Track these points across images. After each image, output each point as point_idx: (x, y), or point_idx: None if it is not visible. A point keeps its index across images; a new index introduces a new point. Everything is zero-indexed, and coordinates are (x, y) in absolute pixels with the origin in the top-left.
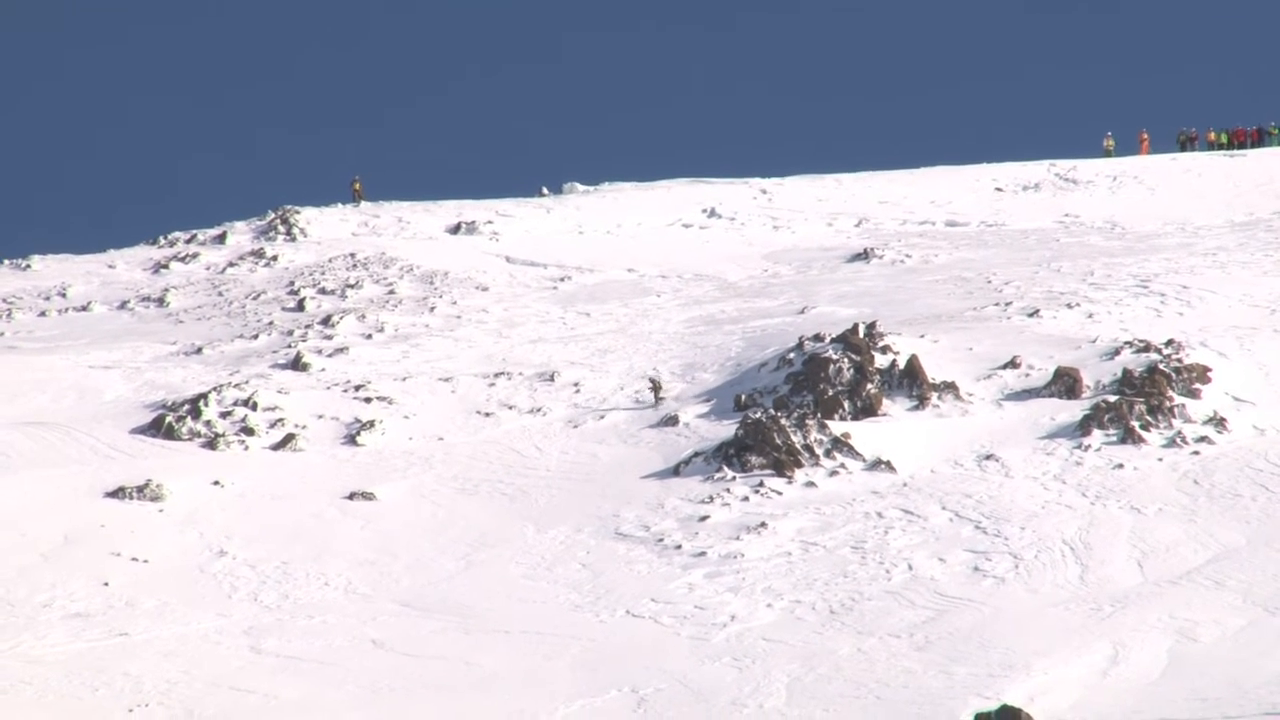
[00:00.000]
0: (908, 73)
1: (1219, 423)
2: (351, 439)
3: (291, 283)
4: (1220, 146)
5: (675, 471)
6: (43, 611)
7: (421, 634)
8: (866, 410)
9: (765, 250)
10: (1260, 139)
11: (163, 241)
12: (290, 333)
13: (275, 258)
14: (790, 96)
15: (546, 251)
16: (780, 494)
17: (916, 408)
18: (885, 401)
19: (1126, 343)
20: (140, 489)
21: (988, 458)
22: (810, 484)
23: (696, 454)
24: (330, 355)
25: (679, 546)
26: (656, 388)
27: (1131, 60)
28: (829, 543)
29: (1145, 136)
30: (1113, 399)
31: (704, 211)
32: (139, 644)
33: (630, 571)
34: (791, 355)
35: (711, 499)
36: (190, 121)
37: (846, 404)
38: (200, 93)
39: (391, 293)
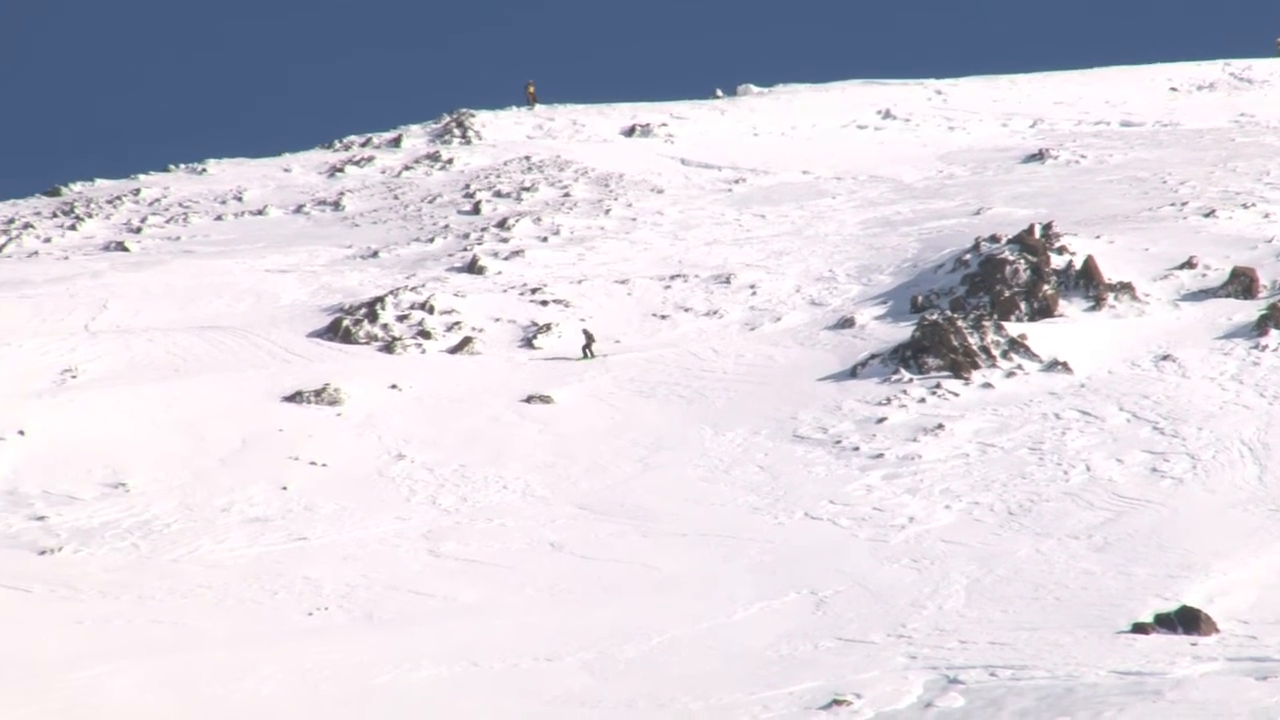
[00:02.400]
0: None
1: None
2: (528, 342)
3: (467, 186)
4: None
5: (852, 373)
6: (221, 516)
7: (599, 537)
8: (1043, 311)
9: (940, 151)
10: None
11: (338, 145)
12: (466, 236)
13: (450, 161)
14: None
15: (721, 154)
16: (957, 395)
17: (1093, 308)
18: (1061, 302)
19: None
20: (318, 393)
21: (1164, 358)
22: (987, 385)
23: (873, 356)
24: (506, 258)
25: (856, 448)
26: (589, 341)
27: None
28: (1006, 444)
29: None
30: None
31: (879, 113)
32: (318, 548)
33: (808, 474)
34: (968, 256)
35: (889, 401)
36: (364, 23)
37: (1023, 305)
38: None
39: (567, 195)
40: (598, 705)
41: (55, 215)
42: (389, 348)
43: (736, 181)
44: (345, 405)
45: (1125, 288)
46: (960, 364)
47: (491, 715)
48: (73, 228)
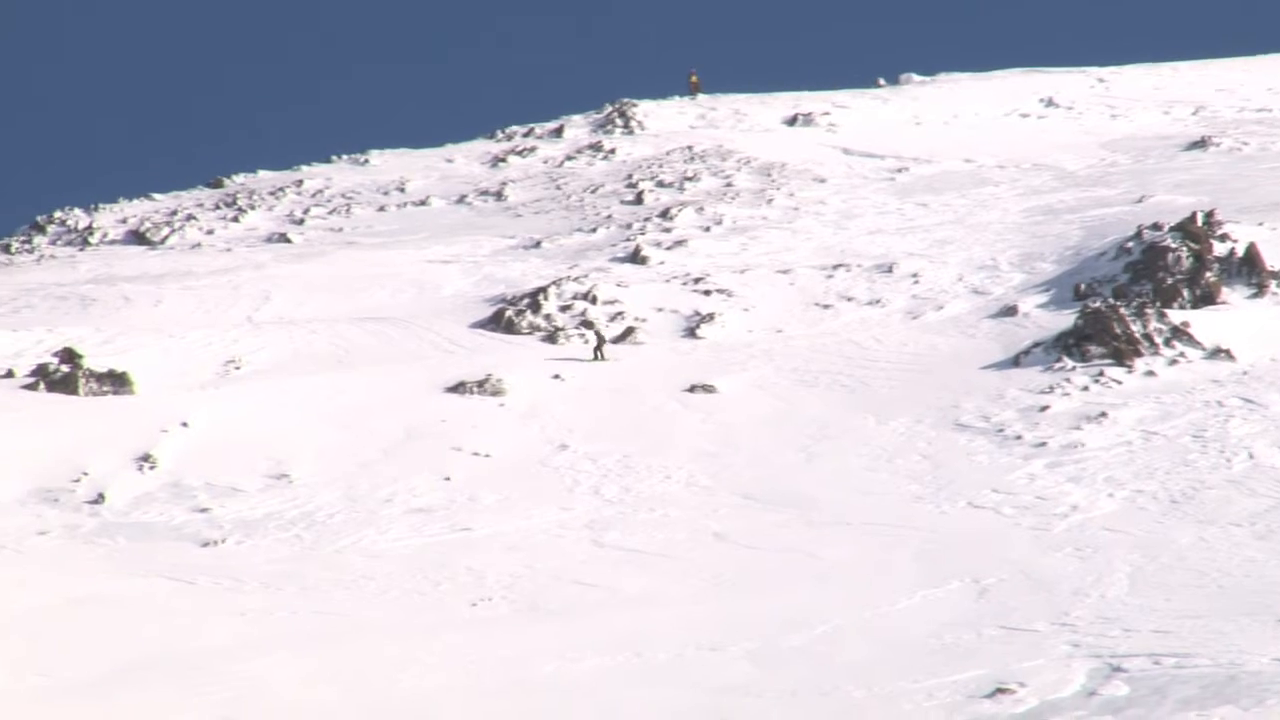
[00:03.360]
0: None
1: None
2: (691, 332)
3: (629, 176)
4: None
5: (1015, 362)
6: (385, 506)
7: (763, 526)
8: (1205, 299)
9: (1102, 139)
10: None
11: (500, 135)
12: (629, 226)
13: (613, 151)
14: None
15: (884, 143)
16: (1120, 383)
17: (1255, 295)
18: (1224, 290)
19: None
20: (480, 383)
21: None
22: (1150, 373)
23: (1036, 344)
24: (669, 248)
25: (1019, 437)
26: (600, 342)
27: None
28: (1169, 432)
29: None
30: None
31: (1041, 101)
32: (481, 538)
33: (971, 462)
34: (1130, 244)
35: (1051, 389)
36: (527, 13)
37: (1185, 292)
38: None
39: (729, 185)
40: (761, 695)
41: (218, 207)
42: (552, 338)
43: (899, 170)
44: (508, 396)
45: None
46: (1123, 352)
47: (655, 705)
48: (235, 219)
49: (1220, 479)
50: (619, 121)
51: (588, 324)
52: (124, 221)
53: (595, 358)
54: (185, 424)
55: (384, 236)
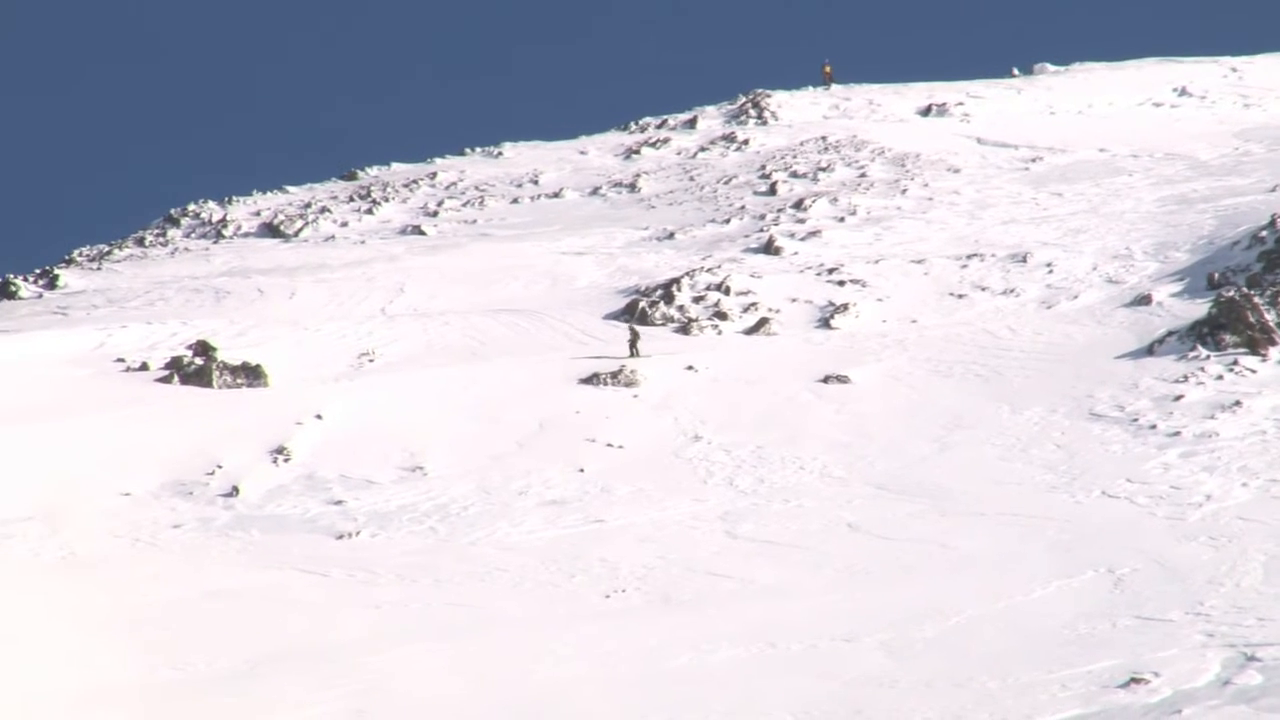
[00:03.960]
0: None
1: None
2: (825, 322)
3: (763, 166)
4: None
5: (1149, 351)
6: (519, 499)
7: (896, 516)
8: None
9: (1236, 128)
10: None
11: (633, 127)
12: (762, 217)
13: (746, 142)
14: None
15: (1018, 133)
16: (1254, 372)
17: None
18: None
19: None
20: (614, 375)
21: None
22: None
23: (1170, 333)
24: (802, 239)
25: (1153, 426)
26: (634, 339)
27: None
28: None
29: None
30: None
31: (1174, 90)
32: (615, 530)
33: (1105, 452)
34: (1264, 233)
35: (1185, 378)
36: (660, 4)
37: None
38: None
39: (863, 175)
40: (895, 685)
41: (352, 199)
42: (685, 329)
43: (1033, 160)
44: (641, 387)
45: None
46: (1257, 341)
47: (789, 696)
48: (369, 212)
49: None
50: (752, 112)
51: (631, 328)
52: (258, 214)
53: (631, 354)
54: (319, 416)
55: (518, 228)
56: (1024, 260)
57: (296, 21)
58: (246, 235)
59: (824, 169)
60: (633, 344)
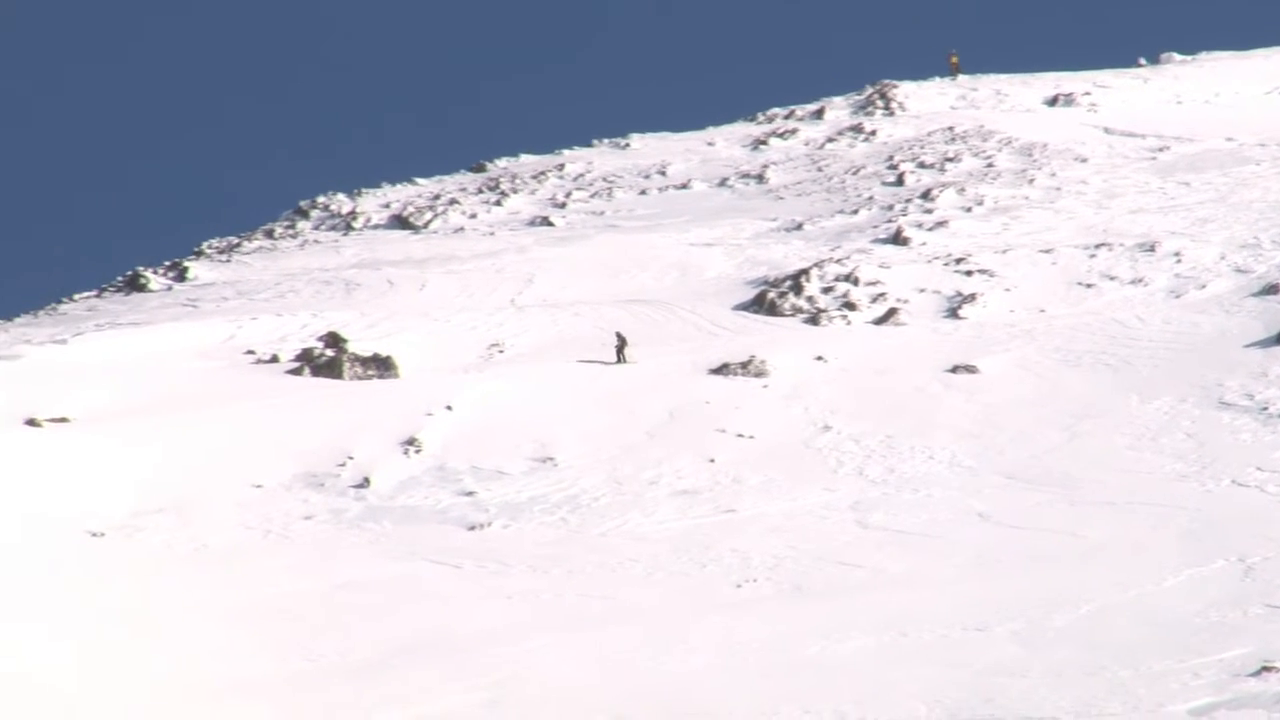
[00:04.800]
0: None
1: None
2: (953, 312)
3: (890, 157)
4: None
5: (1278, 340)
6: (650, 489)
7: (1026, 506)
8: None
9: None
10: None
11: (761, 118)
12: (890, 207)
13: (874, 132)
14: None
15: (1145, 122)
16: None
17: None
18: None
19: None
20: (744, 365)
21: None
22: None
23: None
24: (930, 229)
25: None
26: (621, 345)
27: None
28: None
29: None
30: None
31: None
32: (745, 520)
33: (1235, 440)
34: None
35: None
36: None
37: None
38: None
39: (990, 165)
40: (1026, 675)
41: (481, 191)
42: (814, 319)
43: (1160, 149)
44: (771, 377)
45: None
46: None
47: (921, 685)
48: (498, 203)
49: None
50: (880, 103)
51: (619, 334)
52: (387, 206)
53: (618, 360)
54: (450, 407)
55: (646, 219)
56: (1152, 249)
57: (425, 13)
58: (376, 227)
59: (951, 159)
60: (620, 350)
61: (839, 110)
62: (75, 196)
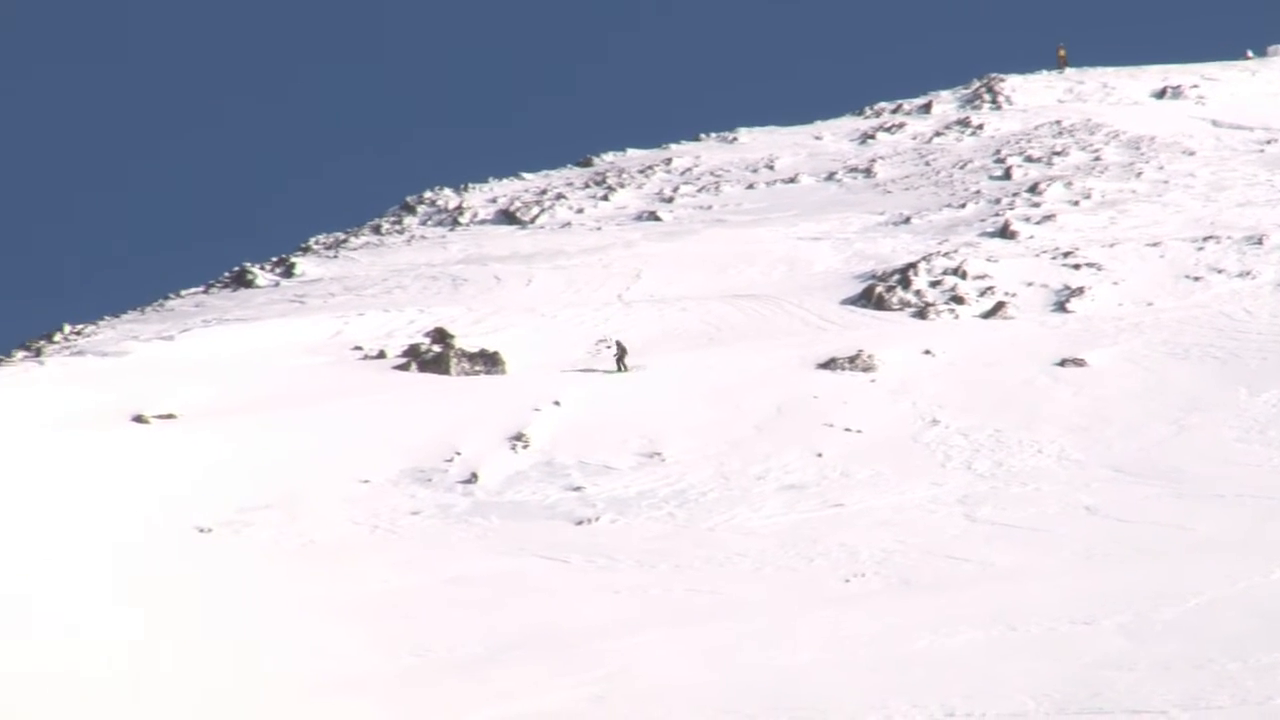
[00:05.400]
0: None
1: None
2: (1061, 306)
3: (998, 151)
4: None
5: None
6: (757, 484)
7: (1134, 499)
8: None
9: None
10: None
11: (868, 112)
12: (997, 201)
13: (981, 126)
14: None
15: (1253, 114)
16: None
17: None
18: None
19: None
20: (851, 359)
21: None
22: None
23: None
24: (1038, 223)
25: None
26: (621, 355)
27: None
28: None
29: None
30: None
31: None
32: (853, 514)
33: None
34: None
35: None
36: None
37: None
38: None
39: (1097, 159)
40: (1134, 668)
41: (587, 186)
42: (922, 313)
43: (1268, 142)
44: (879, 371)
45: None
46: None
47: (1028, 679)
48: (605, 198)
49: None
50: (987, 97)
51: (619, 343)
52: (494, 201)
53: (618, 369)
54: (557, 403)
55: (753, 214)
56: (1260, 242)
57: (534, 7)
58: (483, 222)
59: (1058, 153)
60: (620, 360)
61: (946, 104)
62: (182, 193)
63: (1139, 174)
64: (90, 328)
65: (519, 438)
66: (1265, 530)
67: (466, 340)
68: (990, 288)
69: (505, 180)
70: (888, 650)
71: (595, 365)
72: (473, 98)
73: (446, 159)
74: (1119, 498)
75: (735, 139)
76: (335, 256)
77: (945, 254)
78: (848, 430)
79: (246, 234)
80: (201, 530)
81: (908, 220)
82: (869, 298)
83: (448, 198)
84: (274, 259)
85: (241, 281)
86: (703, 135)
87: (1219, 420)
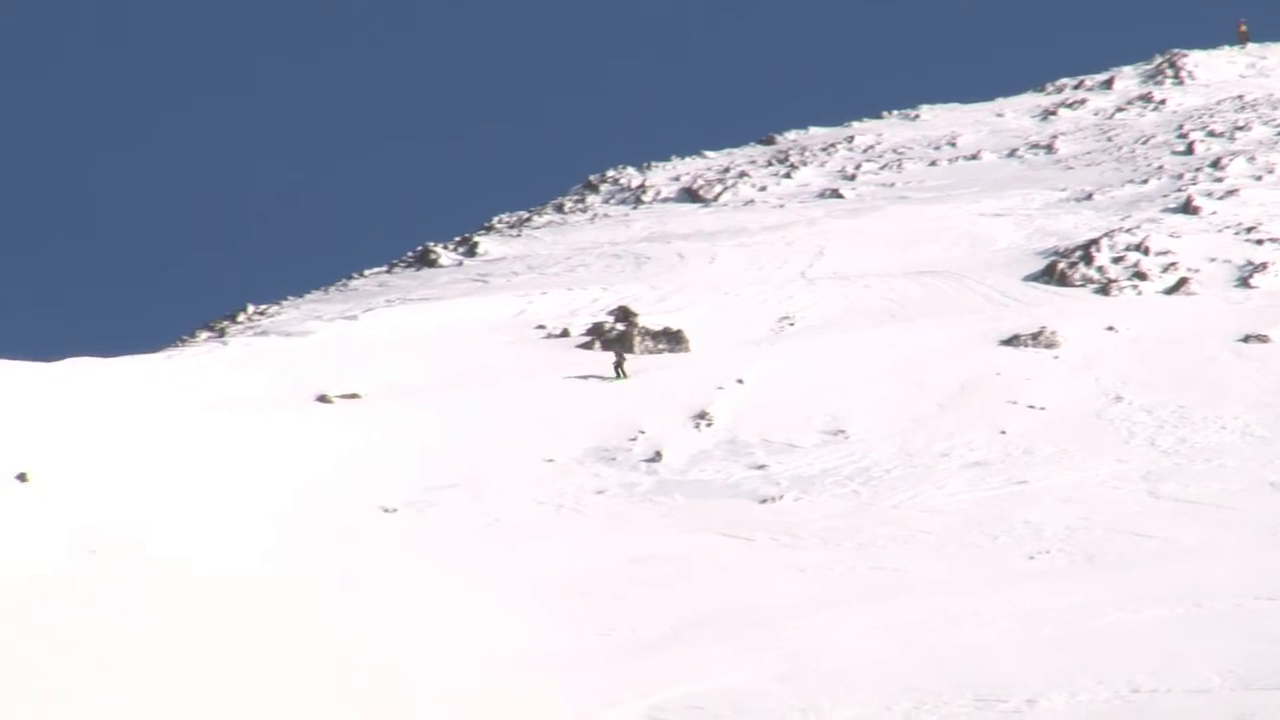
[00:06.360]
0: None
1: None
2: (1244, 281)
3: (1180, 126)
4: None
5: None
6: (941, 461)
7: None
8: None
9: None
10: None
11: (1049, 88)
12: (1179, 176)
13: (1163, 101)
14: None
15: None
16: None
17: None
18: None
19: None
20: (1034, 336)
21: None
22: None
23: None
24: (1220, 198)
25: None
26: (620, 361)
27: None
28: None
29: None
30: None
31: None
32: (1037, 491)
33: None
34: None
35: None
36: None
37: None
38: None
39: None
40: None
41: (770, 163)
42: (1104, 290)
43: None
44: (1062, 348)
45: None
46: None
47: (1214, 656)
48: (787, 175)
49: None
50: (1169, 72)
51: (612, 341)
52: (676, 179)
53: (617, 375)
54: (740, 380)
55: (935, 191)
56: None
57: None
58: (665, 200)
59: (1241, 128)
60: (618, 366)
61: (1128, 80)
62: (363, 172)
63: None
64: (274, 308)
65: (702, 416)
66: None
67: (650, 318)
68: (1173, 263)
69: (688, 159)
70: (1072, 627)
71: (778, 343)
72: (655, 77)
73: (629, 138)
74: None
75: (917, 116)
76: (518, 235)
77: (1127, 230)
78: (1031, 407)
79: (429, 214)
80: (386, 510)
81: (1090, 196)
82: (1051, 274)
83: (631, 176)
84: (457, 238)
85: (425, 261)
86: (885, 113)
87: None
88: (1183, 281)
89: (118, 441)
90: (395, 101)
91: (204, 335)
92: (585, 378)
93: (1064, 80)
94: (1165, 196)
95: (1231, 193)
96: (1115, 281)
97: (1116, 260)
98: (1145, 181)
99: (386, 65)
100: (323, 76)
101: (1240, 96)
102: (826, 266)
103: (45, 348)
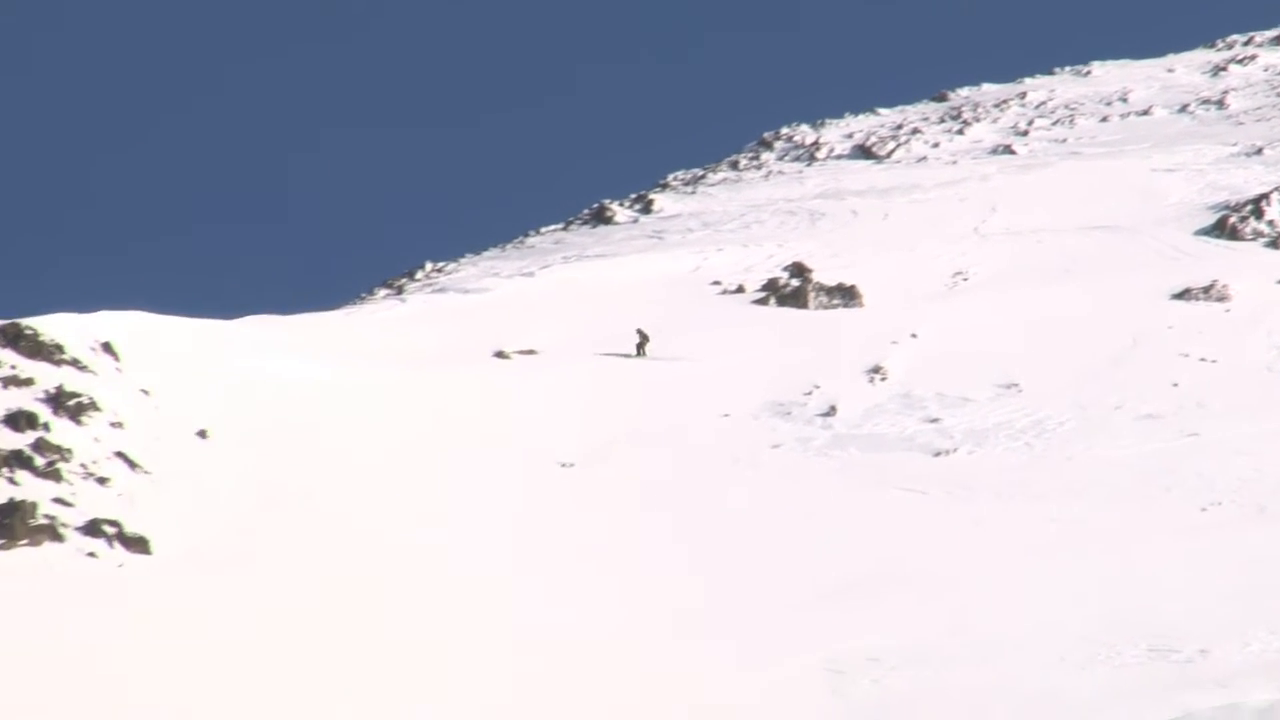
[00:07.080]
0: None
1: None
2: None
3: None
4: None
5: None
6: (1114, 414)
7: None
8: None
9: None
10: None
11: (1220, 44)
12: None
13: None
14: None
15: None
16: None
17: None
18: None
19: None
20: (1206, 290)
21: None
22: None
23: None
24: None
25: None
26: (642, 341)
27: None
28: None
29: None
30: None
31: None
32: (1209, 443)
33: None
34: None
35: None
36: None
37: None
38: None
39: None
40: None
41: (942, 120)
42: (1275, 244)
43: None
44: (1233, 302)
45: None
46: None
47: None
48: (960, 132)
49: None
50: None
51: (640, 330)
52: (850, 136)
53: (638, 354)
54: (914, 335)
55: (1107, 146)
56: None
57: None
58: (839, 157)
59: None
60: (640, 346)
61: None
62: (540, 129)
63: None
64: (451, 265)
65: (877, 370)
66: None
67: (824, 274)
68: None
69: (861, 116)
70: (1245, 578)
71: (951, 298)
72: (831, 35)
73: (804, 95)
74: None
75: (1089, 72)
76: (693, 193)
77: None
78: (1202, 360)
79: (605, 171)
80: (564, 465)
81: (1260, 151)
82: (1222, 228)
83: (804, 133)
84: (632, 195)
85: (601, 218)
86: (1056, 69)
87: None
88: None
89: (295, 397)
90: (568, 55)
91: (382, 293)
92: (759, 332)
93: (1234, 36)
94: None
95: None
96: None
97: None
98: None
99: (562, 18)
100: (493, 28)
101: None
102: (999, 222)
103: (229, 306)
